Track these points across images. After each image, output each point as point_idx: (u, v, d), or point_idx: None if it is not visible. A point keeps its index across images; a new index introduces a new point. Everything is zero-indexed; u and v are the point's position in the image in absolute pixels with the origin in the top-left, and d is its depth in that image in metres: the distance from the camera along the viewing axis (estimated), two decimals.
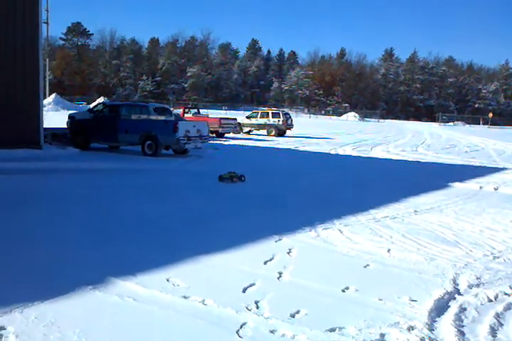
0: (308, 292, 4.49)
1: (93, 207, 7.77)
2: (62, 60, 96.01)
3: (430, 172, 14.81)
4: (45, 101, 45.19)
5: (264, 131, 29.51)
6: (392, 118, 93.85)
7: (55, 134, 17.27)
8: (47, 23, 49.52)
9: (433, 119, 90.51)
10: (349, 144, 24.57)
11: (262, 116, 29.64)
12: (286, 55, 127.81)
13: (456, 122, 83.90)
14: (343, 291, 4.57)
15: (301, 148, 21.10)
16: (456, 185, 11.88)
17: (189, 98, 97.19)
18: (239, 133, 27.82)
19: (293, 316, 3.95)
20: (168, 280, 4.57)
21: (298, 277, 4.85)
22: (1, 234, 5.98)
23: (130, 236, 6.08)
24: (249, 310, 4.02)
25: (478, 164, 17.40)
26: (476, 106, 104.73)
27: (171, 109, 23.38)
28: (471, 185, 11.97)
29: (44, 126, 15.51)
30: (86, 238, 5.91)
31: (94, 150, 16.70)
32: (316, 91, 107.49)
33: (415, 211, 8.49)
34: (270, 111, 30.32)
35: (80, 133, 16.85)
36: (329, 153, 19.53)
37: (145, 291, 4.30)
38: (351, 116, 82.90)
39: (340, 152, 20.17)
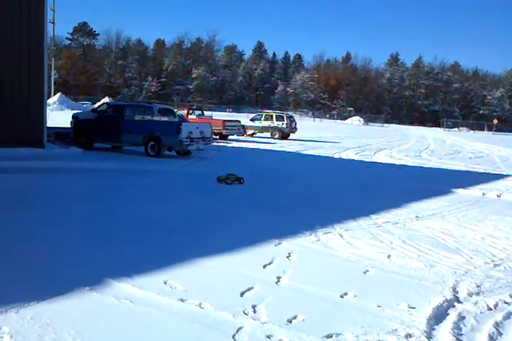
0: (306, 297, 4.46)
1: (94, 207, 7.76)
2: (68, 60, 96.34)
3: (433, 177, 14.76)
4: (49, 101, 45.41)
5: (267, 134, 29.50)
6: (396, 123, 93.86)
7: (58, 133, 17.31)
8: (53, 22, 49.70)
9: (437, 125, 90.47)
10: (352, 148, 24.54)
11: (266, 119, 29.63)
12: (291, 58, 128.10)
13: (460, 128, 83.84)
14: (342, 297, 4.53)
15: (304, 152, 21.07)
16: (459, 191, 11.83)
17: (194, 99, 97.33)
18: (242, 135, 27.81)
19: (290, 321, 3.92)
20: (165, 283, 4.55)
21: (296, 281, 4.82)
22: (0, 233, 5.97)
23: (130, 236, 6.06)
24: (246, 315, 3.99)
25: (482, 170, 17.33)
26: (481, 112, 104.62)
27: (175, 110, 23.40)
28: (474, 191, 11.92)
29: (48, 126, 15.54)
30: (86, 238, 5.89)
31: (97, 150, 16.71)
32: (321, 94, 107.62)
33: (417, 216, 8.45)
34: (274, 114, 30.30)
35: (83, 132, 16.87)
36: (332, 157, 19.49)
37: (142, 293, 4.28)
38: (356, 120, 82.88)
39: (344, 156, 20.12)
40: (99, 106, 19.13)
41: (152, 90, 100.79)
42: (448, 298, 4.65)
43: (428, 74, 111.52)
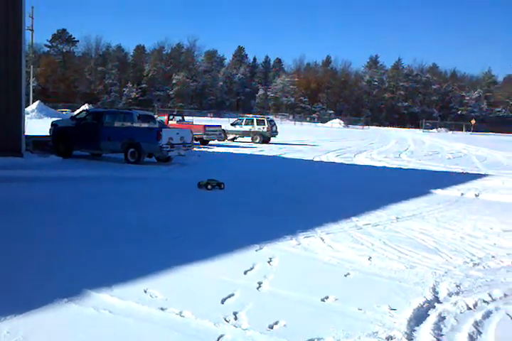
0: (287, 302, 4.46)
1: (73, 216, 7.67)
2: (47, 67, 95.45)
3: (413, 179, 14.89)
4: (28, 109, 44.93)
5: (248, 138, 29.52)
6: (376, 125, 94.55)
7: (37, 142, 17.09)
8: (31, 29, 49.31)
9: (417, 126, 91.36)
10: (333, 151, 24.65)
11: (246, 123, 29.65)
12: (271, 62, 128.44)
13: (439, 129, 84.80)
14: (323, 301, 4.54)
15: (285, 155, 21.12)
16: (438, 191, 11.95)
17: (174, 105, 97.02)
18: (223, 140, 27.77)
19: (271, 327, 3.91)
20: (145, 292, 4.51)
21: (278, 287, 4.81)
22: None
23: (109, 245, 6.00)
24: (228, 322, 3.97)
25: (460, 171, 17.53)
26: (459, 112, 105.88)
27: (156, 116, 23.29)
28: (453, 191, 12.05)
29: (26, 134, 15.36)
30: (63, 248, 5.81)
31: (77, 157, 16.55)
32: (301, 98, 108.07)
33: (397, 218, 8.51)
34: (255, 118, 30.34)
35: (62, 140, 16.69)
36: (313, 160, 19.56)
37: (121, 303, 4.23)
38: (336, 123, 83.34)
39: (324, 159, 20.21)
40: (78, 114, 18.96)
41: (132, 96, 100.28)
42: (428, 299, 4.68)
43: (407, 76, 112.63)
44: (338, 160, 20.03)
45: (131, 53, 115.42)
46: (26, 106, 30.35)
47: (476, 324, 4.19)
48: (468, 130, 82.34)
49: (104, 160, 16.39)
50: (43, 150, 16.72)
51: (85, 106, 55.83)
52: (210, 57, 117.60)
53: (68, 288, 4.49)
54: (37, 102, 51.50)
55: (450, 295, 4.84)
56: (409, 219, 8.49)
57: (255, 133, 29.21)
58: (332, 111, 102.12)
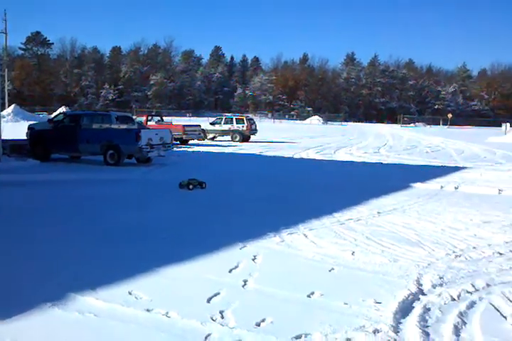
0: (273, 299, 4.46)
1: (50, 220, 7.57)
2: (21, 70, 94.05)
3: (392, 173, 15.02)
4: (4, 113, 44.22)
5: (228, 137, 29.45)
6: (355, 121, 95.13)
7: (13, 146, 16.83)
8: (5, 33, 48.54)
9: (395, 121, 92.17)
10: (313, 148, 24.73)
11: (226, 122, 29.56)
12: (249, 61, 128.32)
13: (417, 123, 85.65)
14: (309, 297, 4.55)
15: (265, 153, 21.12)
16: (418, 185, 12.06)
17: (153, 106, 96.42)
18: (203, 139, 27.65)
19: (258, 325, 3.90)
20: (130, 293, 4.47)
21: (263, 284, 4.81)
22: None
23: (91, 248, 5.94)
24: (214, 321, 3.96)
25: (439, 164, 17.73)
26: (436, 107, 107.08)
27: (134, 117, 23.12)
28: (433, 185, 12.18)
29: (2, 138, 15.13)
30: (43, 252, 5.74)
31: (55, 161, 16.34)
32: (280, 96, 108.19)
33: (378, 212, 8.57)
34: (234, 117, 30.28)
35: (39, 144, 16.48)
36: (293, 157, 19.60)
37: (106, 306, 4.19)
38: (315, 120, 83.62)
39: (304, 156, 20.27)
40: (55, 116, 18.74)
41: (110, 98, 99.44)
42: (413, 291, 4.72)
43: (384, 72, 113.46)
44: (318, 156, 20.09)
45: (108, 54, 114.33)
46: (2, 110, 29.86)
47: (461, 314, 4.23)
48: (445, 124, 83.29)
49: (83, 163, 16.23)
50: (21, 154, 16.48)
51: (62, 109, 55.17)
52: (187, 57, 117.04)
53: (52, 292, 4.44)
54: (13, 106, 50.77)
55: (434, 286, 4.89)
56: (391, 213, 8.56)
57: (235, 131, 29.14)
58: (311, 109, 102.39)
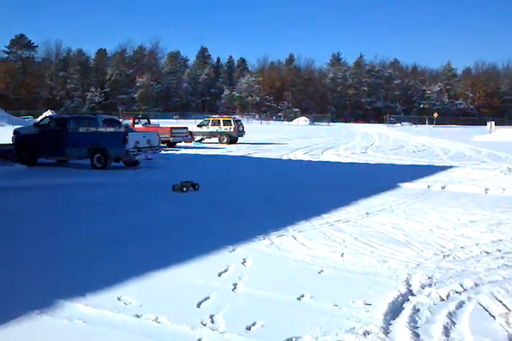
0: (264, 302, 4.45)
1: (39, 225, 7.51)
2: (6, 74, 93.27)
3: (380, 173, 15.08)
4: None
5: (216, 139, 29.43)
6: (341, 122, 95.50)
7: None
8: None
9: (381, 121, 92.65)
10: (300, 149, 24.79)
11: (213, 124, 29.53)
12: (235, 62, 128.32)
13: (403, 123, 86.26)
14: (299, 299, 4.55)
15: (253, 155, 21.13)
16: (406, 185, 12.13)
17: (139, 108, 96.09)
18: (190, 141, 27.61)
19: (249, 329, 3.90)
20: (119, 299, 4.44)
21: (253, 287, 4.80)
22: None
23: (79, 253, 5.90)
24: (205, 325, 3.94)
25: (425, 163, 17.84)
26: (422, 106, 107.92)
27: (121, 120, 23.01)
28: (420, 184, 12.25)
29: None
30: (31, 258, 5.69)
31: (42, 165, 16.21)
32: (267, 97, 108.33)
33: (367, 213, 8.60)
34: (221, 119, 30.26)
35: (25, 148, 16.33)
36: (281, 159, 19.63)
37: (95, 312, 4.15)
38: (302, 121, 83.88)
39: (292, 157, 20.31)
40: (41, 120, 18.60)
41: (96, 101, 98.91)
42: (402, 292, 4.74)
43: (369, 72, 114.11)
44: (306, 157, 20.14)
45: (93, 57, 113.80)
46: None
47: (450, 315, 4.26)
48: (431, 123, 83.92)
49: (70, 167, 16.12)
50: (7, 158, 16.34)
51: (48, 113, 54.79)
52: (173, 59, 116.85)
53: (40, 298, 4.39)
54: None
55: (423, 287, 4.91)
56: (379, 214, 8.59)
57: (222, 133, 29.12)
58: (298, 109, 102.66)
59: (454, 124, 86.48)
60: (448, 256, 6.01)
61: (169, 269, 5.30)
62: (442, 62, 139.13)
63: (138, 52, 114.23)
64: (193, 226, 7.46)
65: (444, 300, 4.61)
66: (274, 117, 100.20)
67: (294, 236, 6.81)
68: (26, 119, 54.90)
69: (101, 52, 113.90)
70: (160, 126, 27.12)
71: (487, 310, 4.36)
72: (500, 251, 6.25)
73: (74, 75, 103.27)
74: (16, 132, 17.33)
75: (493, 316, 4.22)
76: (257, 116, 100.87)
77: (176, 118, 78.60)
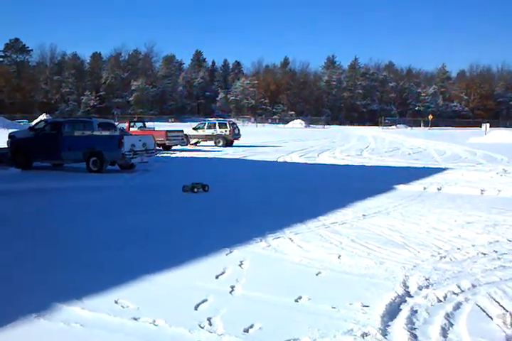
0: (261, 305, 4.45)
1: (35, 228, 7.48)
2: (0, 78, 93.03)
3: (375, 175, 15.11)
4: None
5: (211, 142, 29.42)
6: (337, 124, 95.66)
7: None
8: None
9: (376, 123, 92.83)
10: (296, 151, 24.80)
11: (208, 127, 29.53)
12: (230, 66, 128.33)
13: (398, 125, 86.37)
14: (296, 301, 4.54)
15: (249, 158, 21.13)
16: (401, 187, 12.15)
17: (135, 112, 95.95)
18: (186, 145, 27.59)
19: (247, 331, 3.89)
20: (116, 302, 4.43)
21: (250, 290, 4.80)
22: None
23: (76, 257, 5.88)
24: (202, 328, 3.93)
25: (421, 165, 17.88)
26: (417, 108, 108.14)
27: (116, 123, 22.99)
28: (416, 186, 12.28)
29: None
30: (28, 262, 5.66)
31: (37, 169, 16.16)
32: (262, 100, 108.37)
33: (363, 215, 8.61)
34: (217, 122, 30.25)
35: (20, 152, 16.29)
36: (277, 161, 19.65)
37: (93, 315, 4.14)
38: (297, 124, 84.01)
39: (288, 159, 20.32)
40: (36, 124, 18.57)
41: (91, 104, 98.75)
42: (399, 294, 4.74)
43: (364, 75, 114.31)
44: (301, 160, 20.16)
45: (88, 61, 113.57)
46: None
47: (448, 316, 4.26)
48: (426, 125, 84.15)
49: (66, 171, 16.08)
50: (2, 162, 16.29)
51: (43, 116, 54.64)
52: (168, 63, 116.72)
53: (37, 302, 4.37)
54: None
55: (420, 288, 4.92)
56: (376, 216, 8.60)
57: (218, 136, 29.11)
58: (293, 112, 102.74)
59: (449, 126, 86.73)
60: (445, 257, 6.02)
61: (166, 272, 5.29)
62: (437, 65, 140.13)
63: (133, 56, 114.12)
64: (187, 230, 7.44)
65: (441, 301, 4.61)
66: (269, 120, 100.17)
67: (290, 239, 6.80)
68: (21, 123, 54.69)
69: (96, 56, 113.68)
70: (155, 129, 27.12)
71: (484, 311, 4.36)
72: (496, 252, 6.27)
73: (69, 79, 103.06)
74: (10, 136, 17.31)
75: (491, 317, 4.23)
76: (252, 119, 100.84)
77: (171, 122, 78.54)
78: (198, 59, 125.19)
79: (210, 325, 4.00)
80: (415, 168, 17.26)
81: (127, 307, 4.34)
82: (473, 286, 4.97)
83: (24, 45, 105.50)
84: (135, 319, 4.08)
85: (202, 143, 29.76)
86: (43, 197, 10.64)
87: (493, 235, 7.20)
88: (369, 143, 33.30)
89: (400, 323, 4.09)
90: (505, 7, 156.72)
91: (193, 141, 29.42)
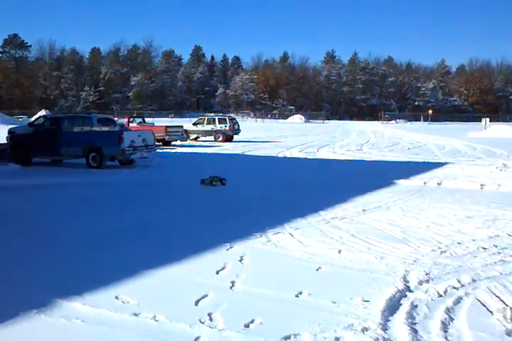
0: (261, 300, 4.45)
1: (36, 224, 7.49)
2: None
3: (375, 170, 15.10)
4: None
5: (211, 138, 29.39)
6: (336, 119, 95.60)
7: None
8: None
9: (376, 118, 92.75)
10: (296, 146, 24.78)
11: (208, 123, 29.48)
12: (230, 61, 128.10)
13: (398, 120, 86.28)
14: (297, 296, 4.55)
15: (248, 153, 21.12)
16: (401, 182, 12.15)
17: (134, 107, 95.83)
18: (186, 140, 27.57)
19: (247, 326, 3.89)
20: (117, 298, 4.43)
21: (251, 285, 4.80)
22: None
23: (76, 254, 5.88)
24: (203, 323, 3.93)
25: (421, 160, 17.88)
26: (416, 103, 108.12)
27: (116, 118, 22.94)
28: (416, 181, 12.27)
29: None
30: (27, 258, 5.67)
31: (36, 165, 16.14)
32: (261, 95, 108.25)
33: (363, 210, 8.61)
34: (216, 117, 30.21)
35: (20, 148, 16.26)
36: (276, 156, 19.64)
37: (93, 311, 4.14)
38: (297, 119, 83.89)
39: (288, 155, 20.30)
40: (35, 120, 18.53)
41: (90, 100, 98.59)
42: (400, 289, 4.75)
43: (364, 69, 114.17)
44: (301, 155, 20.14)
45: (87, 56, 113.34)
46: None
47: (448, 310, 4.26)
48: (425, 120, 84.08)
49: (65, 166, 16.07)
50: (1, 158, 16.27)
51: (42, 112, 54.58)
52: (168, 58, 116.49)
53: (38, 298, 4.38)
54: None
55: (420, 283, 4.92)
56: (376, 211, 8.60)
57: (217, 132, 29.07)
58: (293, 107, 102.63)
59: (449, 121, 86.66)
60: (445, 252, 6.03)
61: (166, 267, 5.29)
62: (436, 59, 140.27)
63: (132, 51, 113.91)
64: (188, 225, 7.45)
65: (441, 296, 4.61)
66: (269, 115, 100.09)
67: (291, 234, 6.81)
68: (20, 119, 54.64)
69: (95, 51, 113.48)
70: (155, 124, 27.07)
71: (485, 306, 4.37)
72: (496, 246, 6.27)
73: (68, 74, 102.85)
74: (10, 132, 17.26)
75: (491, 311, 4.23)
76: (251, 114, 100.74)
77: (171, 117, 78.48)
78: (197, 54, 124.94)
79: (211, 320, 4.00)
80: (415, 162, 17.26)
81: (128, 302, 4.34)
82: (474, 281, 4.98)
83: (23, 40, 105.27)
84: (135, 314, 4.08)
85: (202, 138, 29.73)
86: (43, 193, 10.63)
87: (493, 229, 7.20)
88: (369, 138, 33.28)
89: (400, 318, 4.09)
90: (505, 2, 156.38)
91: (192, 137, 29.38)
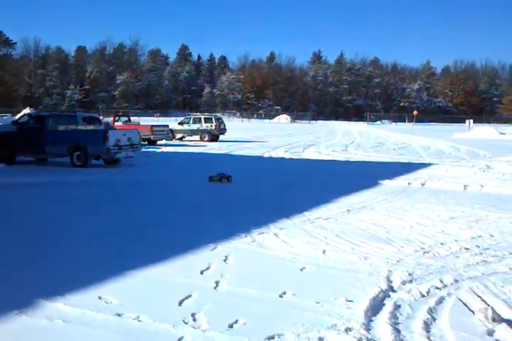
0: (246, 300, 4.45)
1: (17, 224, 7.41)
2: None
3: (360, 171, 15.18)
4: None
5: (197, 137, 29.31)
6: (322, 119, 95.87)
7: None
8: None
9: (361, 119, 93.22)
10: (281, 146, 24.81)
11: (194, 122, 29.40)
12: (216, 60, 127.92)
13: (383, 121, 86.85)
14: (281, 296, 4.55)
15: (234, 153, 21.11)
16: (386, 182, 12.22)
17: (119, 106, 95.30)
18: (171, 139, 27.48)
19: (231, 326, 3.89)
20: (100, 298, 4.40)
21: (235, 285, 4.80)
22: None
23: (59, 254, 5.83)
24: (186, 324, 3.92)
25: (405, 161, 18.00)
26: (402, 104, 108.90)
27: (101, 117, 22.79)
28: (400, 181, 12.35)
29: None
30: (8, 258, 5.61)
31: (21, 164, 15.98)
32: (248, 95, 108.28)
33: (348, 210, 8.64)
34: (202, 117, 30.14)
35: (3, 146, 16.07)
36: (262, 156, 19.65)
37: (76, 311, 4.11)
38: (283, 119, 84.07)
39: (273, 155, 20.32)
40: (20, 118, 18.34)
41: (75, 98, 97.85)
42: (383, 289, 4.77)
43: (350, 70, 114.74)
44: (286, 155, 20.17)
45: (72, 54, 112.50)
46: None
47: (430, 310, 4.29)
48: (410, 121, 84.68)
49: (50, 165, 15.92)
50: None
51: (27, 110, 54.06)
52: (154, 57, 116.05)
53: (19, 298, 4.33)
54: None
55: (404, 283, 4.95)
56: (360, 211, 8.64)
57: (203, 131, 29.01)
58: (279, 107, 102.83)
59: (433, 122, 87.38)
60: (428, 252, 6.07)
61: (150, 268, 5.27)
62: (422, 61, 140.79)
63: (118, 50, 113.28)
64: (171, 225, 7.42)
65: (424, 296, 4.65)
66: (255, 115, 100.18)
67: (275, 234, 6.81)
68: (4, 117, 54.06)
69: (80, 50, 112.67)
70: (140, 123, 26.95)
71: (467, 306, 4.41)
72: (479, 247, 6.33)
73: (53, 73, 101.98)
74: None
75: (473, 311, 4.27)
76: (238, 113, 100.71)
77: (156, 116, 78.11)
78: (184, 53, 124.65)
79: (194, 320, 3.99)
80: (400, 163, 17.38)
81: (111, 303, 4.31)
82: (456, 281, 5.02)
83: (8, 38, 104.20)
84: (119, 315, 4.05)
85: (187, 137, 29.64)
86: (27, 192, 10.53)
87: (475, 230, 7.27)
88: (354, 139, 33.44)
89: (383, 318, 4.11)
90: (489, 4, 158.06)
91: (178, 136, 29.29)
